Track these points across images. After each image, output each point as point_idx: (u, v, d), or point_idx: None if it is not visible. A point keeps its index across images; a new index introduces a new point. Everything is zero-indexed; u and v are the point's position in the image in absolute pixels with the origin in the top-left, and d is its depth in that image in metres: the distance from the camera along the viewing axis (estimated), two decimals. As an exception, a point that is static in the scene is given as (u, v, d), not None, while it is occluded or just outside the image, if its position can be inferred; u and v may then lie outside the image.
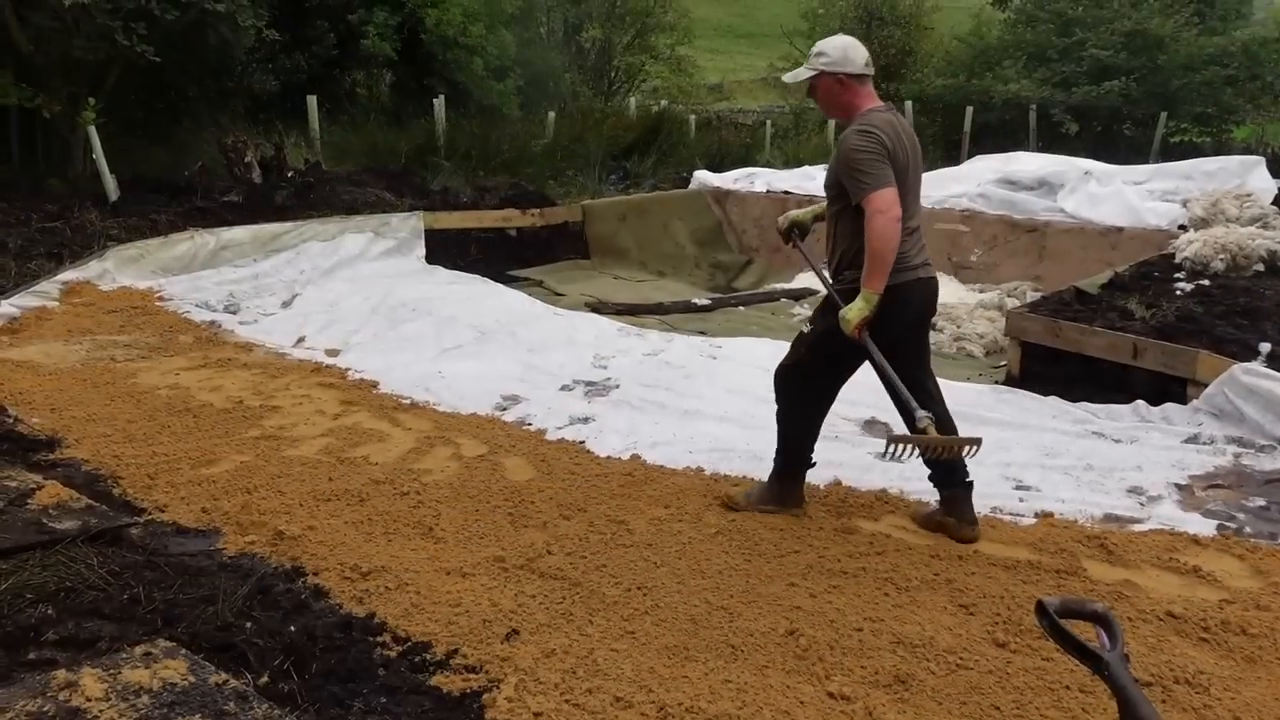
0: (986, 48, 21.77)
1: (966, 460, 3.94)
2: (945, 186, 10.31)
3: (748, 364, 6.34)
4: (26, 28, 10.72)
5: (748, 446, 4.93)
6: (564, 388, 6.00)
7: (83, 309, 7.09)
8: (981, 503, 4.26)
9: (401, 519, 3.92)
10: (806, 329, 4.09)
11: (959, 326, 7.78)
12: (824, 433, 5.18)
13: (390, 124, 14.25)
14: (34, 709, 2.46)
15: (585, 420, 5.33)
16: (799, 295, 9.27)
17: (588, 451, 4.81)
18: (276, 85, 14.81)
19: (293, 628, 3.03)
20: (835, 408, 5.58)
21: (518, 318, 7.73)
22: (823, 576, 3.56)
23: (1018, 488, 4.52)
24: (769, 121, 19.51)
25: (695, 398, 5.81)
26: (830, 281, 3.97)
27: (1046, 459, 4.87)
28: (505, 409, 5.50)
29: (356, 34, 15.12)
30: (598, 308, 8.48)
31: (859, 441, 5.13)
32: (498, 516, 3.99)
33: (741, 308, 9.02)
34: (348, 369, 6.08)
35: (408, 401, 5.52)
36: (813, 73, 3.90)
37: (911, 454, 3.70)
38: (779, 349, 6.54)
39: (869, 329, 3.74)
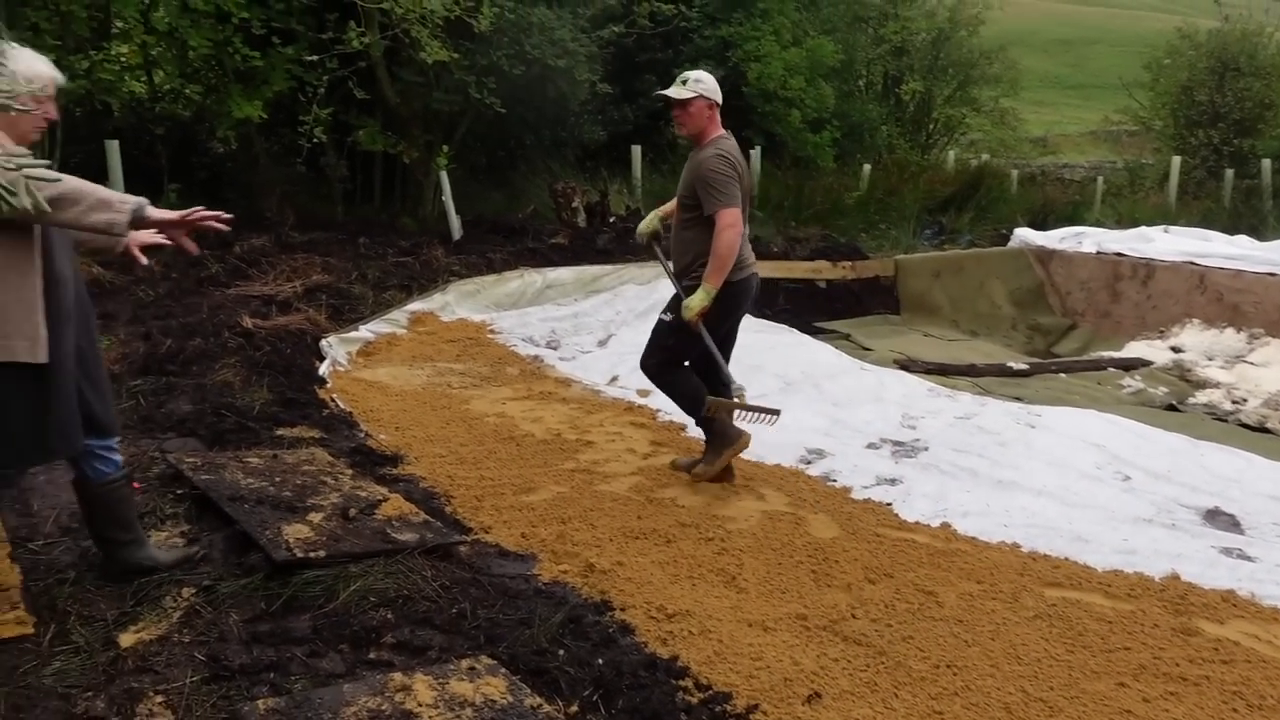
0: (1370, 99, 19.38)
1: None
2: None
3: (1071, 436, 5.93)
4: (396, 83, 11.97)
5: (1070, 525, 4.61)
6: (870, 446, 5.87)
7: (425, 337, 7.75)
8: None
9: (706, 564, 3.96)
10: (668, 317, 4.88)
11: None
12: (1160, 519, 4.78)
13: (708, 174, 14.63)
14: (373, 706, 2.67)
15: (892, 482, 5.19)
16: (1130, 365, 8.59)
17: (894, 515, 4.67)
18: (604, 135, 15.65)
19: (601, 660, 3.12)
20: (1172, 492, 5.15)
21: (824, 370, 7.65)
22: (1158, 680, 3.24)
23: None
24: (1100, 178, 18.34)
25: (1011, 468, 5.50)
26: (677, 278, 4.86)
27: None
28: (809, 463, 5.45)
29: (681, 87, 15.71)
30: (907, 365, 8.27)
31: (1200, 533, 4.65)
32: (800, 573, 3.94)
33: (1063, 375, 8.48)
34: (658, 410, 6.24)
35: (714, 447, 5.59)
36: (693, 94, 4.66)
37: (731, 415, 4.75)
38: (1108, 423, 6.16)
39: (707, 318, 4.63)
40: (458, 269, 9.35)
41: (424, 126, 12.54)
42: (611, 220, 11.44)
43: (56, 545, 3.69)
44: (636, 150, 13.56)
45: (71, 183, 2.84)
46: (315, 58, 10.75)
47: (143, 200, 2.92)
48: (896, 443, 5.94)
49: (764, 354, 8.00)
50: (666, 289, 9.62)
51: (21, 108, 2.89)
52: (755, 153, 14.04)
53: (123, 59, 9.72)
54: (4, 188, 1.43)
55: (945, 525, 4.55)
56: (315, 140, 10.55)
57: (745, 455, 5.48)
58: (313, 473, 4.29)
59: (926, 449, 5.81)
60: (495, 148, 14.88)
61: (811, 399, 6.85)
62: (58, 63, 9.33)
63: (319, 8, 11.16)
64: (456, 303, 8.59)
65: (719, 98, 4.74)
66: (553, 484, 4.81)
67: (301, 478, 4.20)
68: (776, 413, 4.81)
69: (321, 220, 11.23)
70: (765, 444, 5.68)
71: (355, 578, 3.36)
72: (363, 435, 5.32)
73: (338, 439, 5.14)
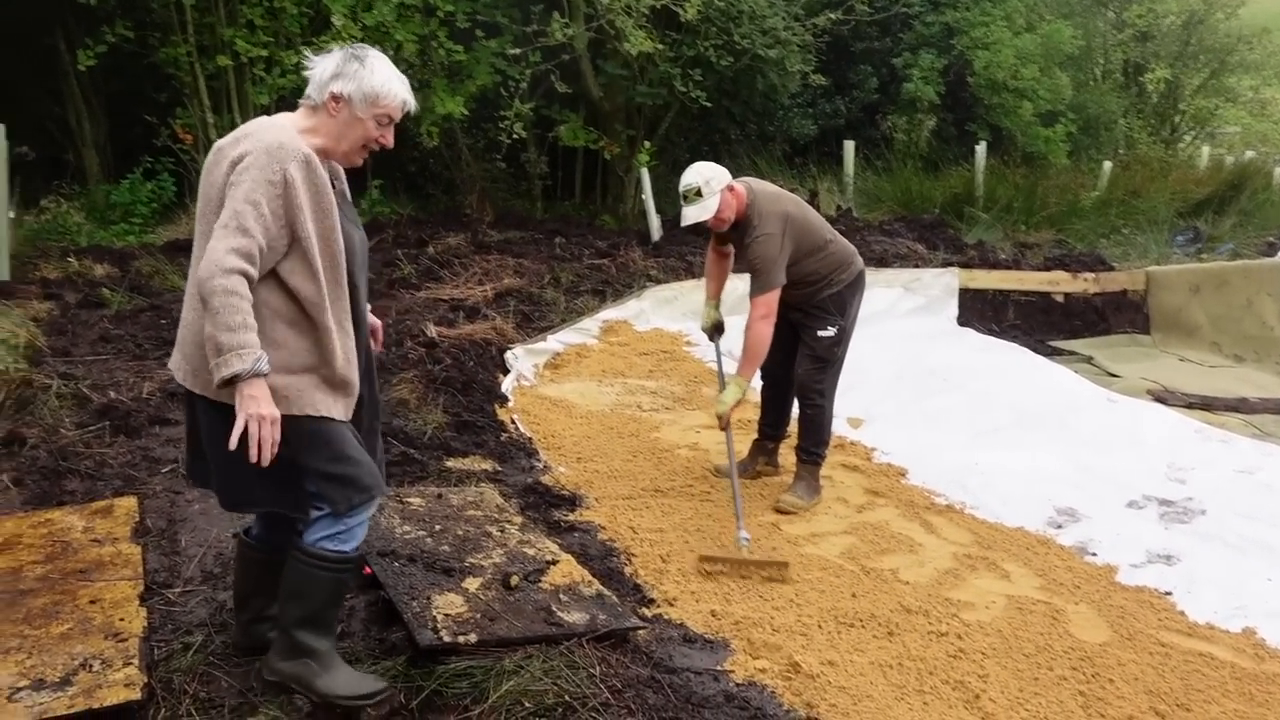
0: None
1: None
2: None
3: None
4: (600, 75, 11.54)
5: None
6: (1131, 504, 4.91)
7: (618, 349, 7.21)
8: None
9: (939, 671, 3.19)
10: (830, 332, 4.59)
11: None
12: None
13: (926, 171, 13.58)
14: None
15: (1167, 559, 4.23)
16: None
17: (1179, 612, 3.73)
18: (815, 130, 14.79)
19: (808, 816, 2.43)
20: None
21: (1065, 401, 6.64)
22: None
23: None
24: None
25: (1316, 544, 4.44)
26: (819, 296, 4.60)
27: None
28: (1060, 526, 4.55)
29: (899, 78, 14.67)
30: (1163, 397, 7.13)
31: None
32: (1064, 693, 3.11)
33: (1359, 415, 7.11)
34: (873, 449, 5.46)
35: (941, 501, 4.77)
36: (716, 200, 4.32)
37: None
38: None
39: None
40: (655, 273, 8.79)
41: (626, 121, 12.08)
42: (821, 222, 10.60)
43: (194, 595, 3.30)
44: (849, 145, 12.65)
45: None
46: (518, 51, 10.44)
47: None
48: (1164, 501, 4.96)
49: (994, 379, 7.06)
50: (882, 299, 8.84)
51: (359, 115, 2.57)
52: (980, 149, 12.86)
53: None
54: None
55: (1249, 632, 3.59)
56: (515, 136, 10.23)
57: (981, 514, 4.66)
58: (478, 520, 3.77)
59: (1203, 512, 4.80)
60: (699, 142, 14.28)
61: (1054, 437, 5.88)
62: (269, 60, 9.21)
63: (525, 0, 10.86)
64: (652, 310, 8.02)
65: (727, 175, 4.44)
66: (751, 541, 4.11)
67: (465, 526, 3.69)
68: (785, 565, 3.91)
69: (519, 218, 10.94)
70: (1004, 498, 4.84)
71: (509, 674, 2.77)
72: (540, 467, 4.79)
73: (513, 471, 4.63)
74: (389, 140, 2.64)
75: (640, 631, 3.21)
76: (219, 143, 2.58)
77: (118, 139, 11.14)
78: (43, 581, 3.28)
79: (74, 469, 4.24)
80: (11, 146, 8.02)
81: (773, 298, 4.37)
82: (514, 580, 3.25)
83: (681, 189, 4.41)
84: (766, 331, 4.37)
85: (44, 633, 2.96)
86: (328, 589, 2.65)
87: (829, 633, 3.39)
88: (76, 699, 2.63)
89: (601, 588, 3.35)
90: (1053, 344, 8.72)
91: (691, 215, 4.38)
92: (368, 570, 3.25)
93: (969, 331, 8.72)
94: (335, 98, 2.55)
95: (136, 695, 2.66)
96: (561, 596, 3.23)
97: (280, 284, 2.50)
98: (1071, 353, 8.55)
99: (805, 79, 12.32)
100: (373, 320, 2.93)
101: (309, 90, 2.60)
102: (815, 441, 4.71)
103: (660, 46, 10.32)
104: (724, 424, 4.43)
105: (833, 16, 11.83)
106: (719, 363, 5.04)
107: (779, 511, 4.53)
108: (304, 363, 2.53)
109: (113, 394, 5.06)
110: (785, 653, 3.21)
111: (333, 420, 2.57)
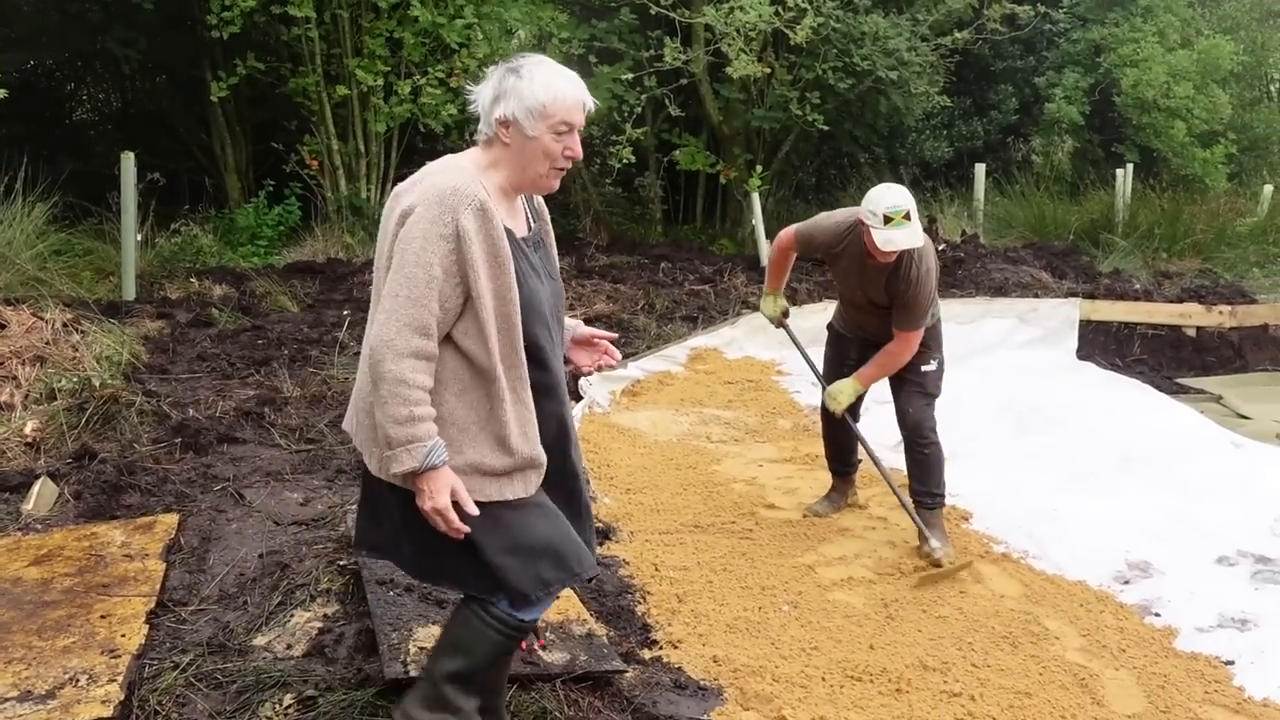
0: None
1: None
2: None
3: None
4: (718, 99, 11.52)
5: None
6: (1221, 560, 4.49)
7: (703, 377, 7.12)
8: None
9: (942, 738, 2.98)
10: (933, 365, 4.47)
11: None
12: None
13: (1065, 195, 12.97)
14: None
15: (1241, 624, 3.85)
16: None
17: (1235, 686, 3.38)
18: (949, 152, 14.37)
19: None
20: None
21: (1179, 444, 6.13)
22: None
23: None
24: None
25: None
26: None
27: None
28: (1127, 582, 4.21)
29: (1042, 98, 14.09)
30: (1296, 443, 6.54)
31: None
32: (1079, 771, 2.86)
33: None
34: (955, 496, 5.15)
35: (1000, 549, 4.49)
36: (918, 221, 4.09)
37: None
38: None
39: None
40: (755, 299, 8.64)
41: (746, 145, 12.01)
42: (940, 248, 10.25)
43: (204, 614, 3.40)
44: (979, 169, 12.20)
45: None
46: (632, 76, 10.52)
47: None
48: (1261, 559, 4.52)
49: (1103, 417, 6.60)
50: (994, 331, 8.46)
51: (530, 135, 2.30)
52: (1124, 172, 12.20)
53: (449, 82, 9.92)
54: None
55: (1315, 714, 3.23)
56: (623, 161, 10.30)
57: (1040, 565, 4.36)
58: (493, 550, 3.76)
59: (1304, 574, 4.35)
60: (825, 166, 14.09)
61: (1152, 484, 5.44)
62: (387, 88, 9.55)
63: (643, 26, 10.95)
64: (745, 338, 7.89)
65: None
66: (780, 586, 3.97)
67: (476, 557, 3.68)
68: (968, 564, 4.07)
69: (631, 243, 10.98)
70: (1073, 549, 4.51)
71: (470, 713, 2.74)
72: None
73: (553, 501, 4.60)
74: (577, 150, 2.36)
75: (626, 675, 3.12)
76: (397, 188, 2.37)
77: (260, 165, 11.79)
78: (66, 594, 3.44)
79: (135, 484, 4.44)
80: (146, 173, 8.57)
81: (920, 334, 4.28)
82: (503, 615, 3.21)
83: (885, 209, 3.93)
84: (907, 358, 4.32)
85: (49, 645, 3.09)
86: (492, 651, 2.49)
87: (831, 686, 3.21)
88: (54, 713, 2.74)
89: (595, 627, 3.29)
90: (1181, 381, 8.14)
91: (904, 240, 3.95)
92: (523, 646, 2.96)
93: (1089, 366, 8.22)
94: (503, 123, 2.30)
95: (109, 713, 2.74)
96: (548, 635, 3.17)
97: (455, 348, 2.30)
98: (1200, 391, 7.95)
99: (933, 100, 11.99)
100: (586, 331, 2.73)
101: (480, 125, 2.37)
102: (937, 483, 4.49)
103: (768, 70, 10.23)
104: (839, 415, 4.46)
105: (961, 36, 11.47)
106: (801, 349, 4.94)
107: (933, 565, 4.16)
108: (474, 440, 2.31)
109: (190, 411, 5.30)
110: (776, 706, 3.06)
111: (510, 503, 2.34)
